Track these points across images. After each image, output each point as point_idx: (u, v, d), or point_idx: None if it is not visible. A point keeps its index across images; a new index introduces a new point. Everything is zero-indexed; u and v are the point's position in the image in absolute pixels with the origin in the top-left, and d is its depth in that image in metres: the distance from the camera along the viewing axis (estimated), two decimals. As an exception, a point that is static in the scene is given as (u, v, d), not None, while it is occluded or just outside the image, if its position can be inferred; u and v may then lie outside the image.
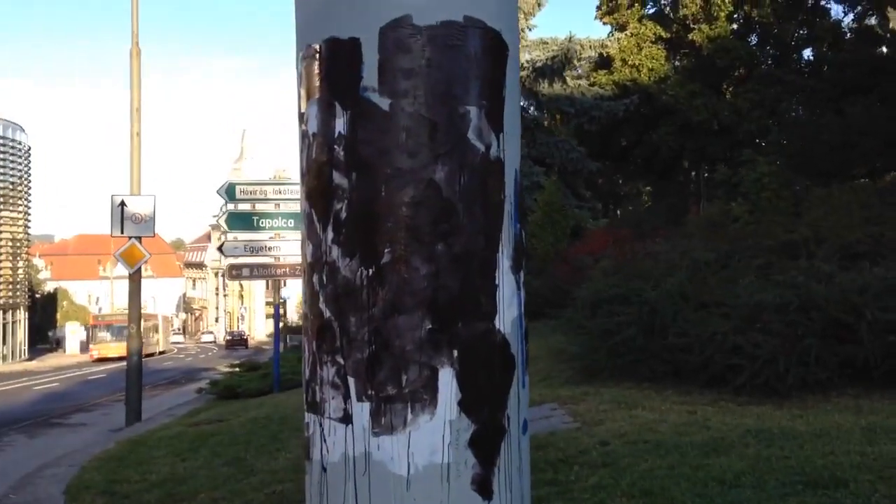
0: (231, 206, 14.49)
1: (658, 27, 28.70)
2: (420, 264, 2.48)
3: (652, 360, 7.13)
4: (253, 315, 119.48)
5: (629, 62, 28.65)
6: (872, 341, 5.31)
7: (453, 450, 2.50)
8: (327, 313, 2.57)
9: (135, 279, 16.02)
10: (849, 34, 29.18)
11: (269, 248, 14.17)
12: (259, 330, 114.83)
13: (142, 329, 17.96)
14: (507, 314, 2.64)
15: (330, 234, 2.56)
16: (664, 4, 28.95)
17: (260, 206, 14.71)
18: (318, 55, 2.61)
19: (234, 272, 14.49)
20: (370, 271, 2.49)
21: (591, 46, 23.35)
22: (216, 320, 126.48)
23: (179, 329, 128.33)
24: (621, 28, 28.38)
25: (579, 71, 23.62)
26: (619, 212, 26.67)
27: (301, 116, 2.74)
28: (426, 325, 2.48)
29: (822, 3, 29.92)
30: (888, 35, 25.92)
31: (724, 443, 3.94)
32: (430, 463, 2.49)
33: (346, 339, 2.53)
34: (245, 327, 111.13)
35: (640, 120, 26.85)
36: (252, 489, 4.07)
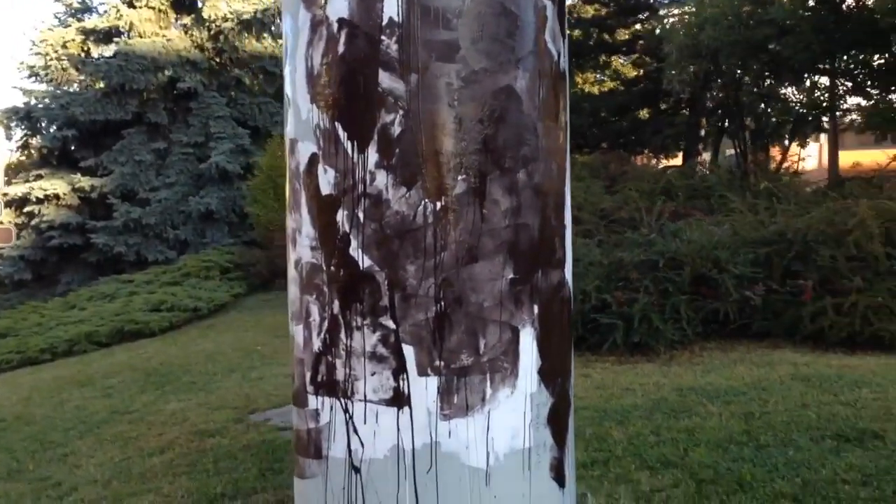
0: None
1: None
2: (500, 196, 2.01)
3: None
4: None
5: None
6: (734, 296, 5.70)
7: (534, 430, 2.08)
8: (366, 262, 1.99)
9: None
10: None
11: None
12: None
13: None
14: (569, 263, 2.25)
15: (373, 157, 1.97)
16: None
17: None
18: None
19: None
20: (437, 205, 1.96)
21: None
22: None
23: None
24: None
25: (273, 30, 22.74)
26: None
27: (307, -6, 2.07)
28: (507, 275, 2.02)
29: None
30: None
31: (670, 403, 3.90)
32: (511, 449, 2.04)
33: (401, 295, 1.97)
34: None
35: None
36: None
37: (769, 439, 3.18)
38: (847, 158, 18.93)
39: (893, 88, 12.42)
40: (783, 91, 16.13)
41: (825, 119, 16.76)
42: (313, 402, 2.10)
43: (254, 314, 11.41)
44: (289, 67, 2.16)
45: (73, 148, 20.60)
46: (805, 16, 12.02)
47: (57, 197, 19.86)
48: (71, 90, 21.48)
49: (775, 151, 19.03)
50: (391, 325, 1.97)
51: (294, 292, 2.17)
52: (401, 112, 1.94)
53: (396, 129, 1.95)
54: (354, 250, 1.99)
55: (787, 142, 18.26)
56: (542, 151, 2.07)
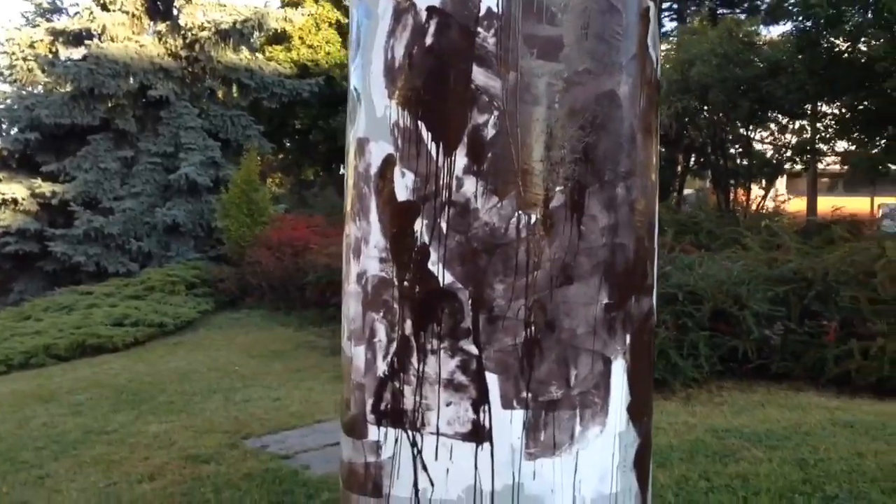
0: None
1: (336, 11, 28.54)
2: (598, 212, 1.84)
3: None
4: None
5: (307, 42, 28.13)
6: (754, 333, 5.61)
7: (621, 474, 1.91)
8: (447, 278, 1.81)
9: None
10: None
11: None
12: None
13: None
14: (655, 289, 2.09)
15: (461, 161, 1.80)
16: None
17: None
18: None
19: None
20: (532, 218, 1.78)
21: (276, 19, 22.36)
22: None
23: None
24: (293, 5, 27.77)
25: (253, 43, 22.49)
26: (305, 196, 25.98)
27: (390, -21, 1.90)
28: (602, 300, 1.85)
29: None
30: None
31: (709, 446, 3.76)
32: (598, 494, 1.86)
33: (487, 317, 1.79)
34: None
35: (317, 103, 26.48)
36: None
37: (835, 490, 3.04)
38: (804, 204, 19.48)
39: (885, 134, 12.56)
40: (770, 132, 16.31)
41: (797, 164, 17.00)
42: (374, 432, 1.90)
43: (224, 332, 11.10)
44: (359, 60, 1.98)
45: (34, 152, 20.06)
46: (799, 56, 12.15)
47: (15, 202, 19.29)
48: (35, 92, 21.00)
49: (743, 193, 19.25)
50: (473, 349, 1.79)
51: (355, 309, 1.97)
52: (496, 113, 1.77)
53: (490, 132, 1.78)
54: (434, 264, 1.81)
55: (763, 183, 18.44)
56: (639, 165, 1.91)
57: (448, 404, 1.81)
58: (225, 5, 21.63)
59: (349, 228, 2.02)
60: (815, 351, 5.58)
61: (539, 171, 1.78)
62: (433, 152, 1.81)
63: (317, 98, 24.92)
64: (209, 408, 5.44)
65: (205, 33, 20.12)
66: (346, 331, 2.03)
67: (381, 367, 1.89)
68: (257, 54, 24.02)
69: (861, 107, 12.97)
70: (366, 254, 1.93)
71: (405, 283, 1.85)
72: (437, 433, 1.82)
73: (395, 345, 1.87)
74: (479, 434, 1.79)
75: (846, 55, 11.75)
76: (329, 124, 27.00)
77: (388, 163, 1.88)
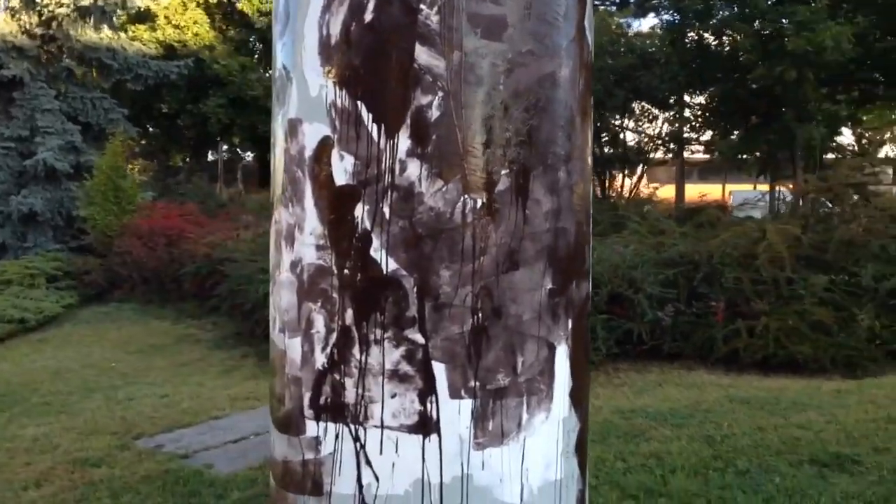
0: None
1: (205, -10, 27.65)
2: (542, 196, 1.84)
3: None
4: None
5: (173, 21, 27.07)
6: (648, 316, 5.77)
7: (564, 460, 1.92)
8: (391, 265, 1.76)
9: None
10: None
11: None
12: None
13: None
14: (590, 273, 2.11)
15: (404, 143, 1.75)
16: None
17: None
18: None
19: None
20: (478, 202, 1.75)
21: (140, -4, 21.45)
22: None
23: None
24: (157, -17, 26.76)
25: (115, 22, 21.46)
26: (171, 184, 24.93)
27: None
28: (546, 285, 1.84)
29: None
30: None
31: (618, 427, 3.83)
32: (544, 482, 1.86)
33: (433, 304, 1.75)
34: None
35: (186, 87, 25.55)
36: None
37: (746, 464, 3.18)
38: (670, 192, 20.54)
39: (747, 124, 13.25)
40: (638, 122, 16.94)
41: (669, 152, 17.81)
42: (312, 428, 1.83)
43: (93, 328, 10.55)
44: (288, 37, 1.89)
45: None
46: (665, 50, 12.65)
47: None
48: None
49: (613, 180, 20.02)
50: (419, 339, 1.74)
51: (288, 299, 1.89)
52: (440, 94, 1.73)
53: (434, 113, 1.73)
54: (376, 251, 1.75)
55: (628, 171, 19.20)
56: (577, 149, 1.91)
57: (393, 396, 1.76)
58: (83, -20, 20.49)
59: (279, 214, 1.93)
60: (703, 331, 5.89)
61: (484, 154, 1.75)
62: (374, 134, 1.75)
63: (185, 81, 24.06)
64: (90, 407, 5.15)
65: (63, 10, 19.01)
66: (277, 322, 1.94)
67: (320, 360, 1.82)
68: (120, 33, 22.95)
69: (725, 97, 13.63)
70: (301, 241, 1.85)
71: (345, 271, 1.78)
72: (382, 426, 1.77)
73: (334, 336, 1.80)
74: (426, 426, 1.75)
75: (713, 48, 12.32)
76: (199, 108, 26.09)
77: (324, 145, 1.80)
